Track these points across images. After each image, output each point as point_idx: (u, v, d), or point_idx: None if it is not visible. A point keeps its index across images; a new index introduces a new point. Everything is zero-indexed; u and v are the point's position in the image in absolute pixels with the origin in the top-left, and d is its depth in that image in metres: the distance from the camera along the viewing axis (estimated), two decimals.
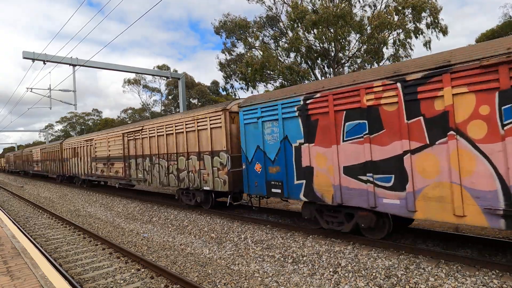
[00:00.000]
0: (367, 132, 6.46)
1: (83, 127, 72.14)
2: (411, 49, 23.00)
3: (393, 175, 6.11)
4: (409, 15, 20.78)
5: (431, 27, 21.25)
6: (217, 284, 6.03)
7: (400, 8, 20.21)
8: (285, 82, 24.90)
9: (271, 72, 24.38)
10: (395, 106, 6.06)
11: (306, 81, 24.33)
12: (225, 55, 28.92)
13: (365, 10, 22.50)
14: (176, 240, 9.13)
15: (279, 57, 24.19)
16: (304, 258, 6.76)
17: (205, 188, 10.86)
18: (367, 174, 6.47)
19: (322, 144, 7.32)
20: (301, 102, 7.69)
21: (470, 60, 5.17)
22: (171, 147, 12.40)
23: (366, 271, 5.88)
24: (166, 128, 12.58)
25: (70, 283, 5.87)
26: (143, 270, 6.88)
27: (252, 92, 26.95)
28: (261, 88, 28.47)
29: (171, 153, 12.44)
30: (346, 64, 25.14)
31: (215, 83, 45.73)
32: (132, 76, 46.05)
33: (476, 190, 5.15)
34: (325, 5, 20.67)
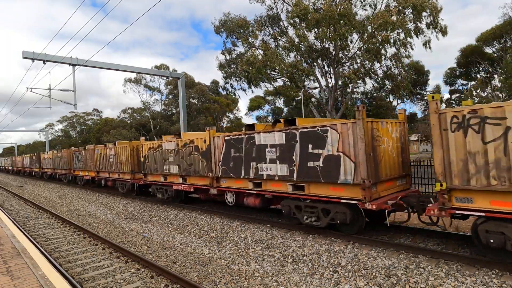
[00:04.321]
0: None
1: (83, 127, 72.11)
2: (412, 49, 23.00)
3: None
4: (410, 15, 20.77)
5: (431, 27, 21.25)
6: (217, 283, 6.03)
7: (400, 8, 20.19)
8: (288, 81, 24.86)
9: (273, 71, 24.32)
10: None
11: (307, 81, 24.31)
12: (225, 56, 28.96)
13: (365, 9, 22.50)
14: (176, 240, 9.13)
15: (281, 56, 24.16)
16: (304, 258, 6.76)
17: None
18: None
19: None
20: None
21: None
22: None
23: (366, 270, 5.88)
24: None
25: (70, 282, 5.87)
26: (143, 269, 6.88)
27: (253, 92, 26.91)
28: (263, 87, 28.41)
29: None
30: (346, 64, 25.10)
31: (215, 82, 45.74)
32: (132, 75, 46.11)
33: None
34: (327, 4, 20.65)
